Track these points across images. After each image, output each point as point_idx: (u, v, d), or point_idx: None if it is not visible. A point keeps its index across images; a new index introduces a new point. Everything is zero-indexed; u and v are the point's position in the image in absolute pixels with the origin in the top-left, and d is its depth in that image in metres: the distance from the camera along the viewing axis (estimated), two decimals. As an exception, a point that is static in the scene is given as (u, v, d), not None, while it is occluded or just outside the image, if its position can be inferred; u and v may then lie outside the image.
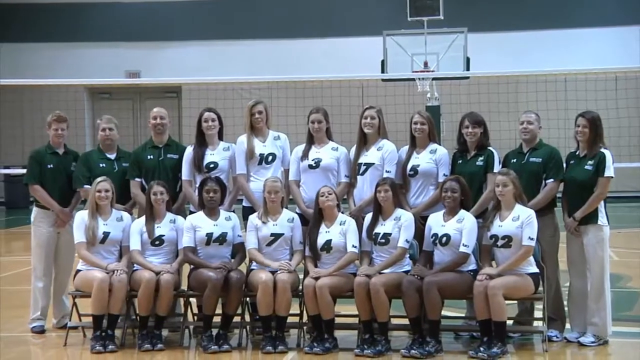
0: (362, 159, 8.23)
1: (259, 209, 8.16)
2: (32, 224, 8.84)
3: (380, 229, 7.88)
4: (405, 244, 7.81)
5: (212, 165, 8.39)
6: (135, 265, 8.15)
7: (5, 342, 8.37)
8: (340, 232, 7.90)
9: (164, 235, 8.14)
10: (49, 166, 8.75)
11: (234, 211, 8.38)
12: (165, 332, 8.29)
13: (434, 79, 18.25)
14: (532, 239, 7.61)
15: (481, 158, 8.14)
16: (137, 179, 8.56)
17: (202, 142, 8.48)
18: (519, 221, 7.64)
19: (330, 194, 7.90)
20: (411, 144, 8.30)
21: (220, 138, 8.56)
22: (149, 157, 8.60)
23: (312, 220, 8.00)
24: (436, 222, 7.87)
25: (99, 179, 8.20)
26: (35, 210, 8.83)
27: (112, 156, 8.74)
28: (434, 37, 19.15)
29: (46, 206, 8.72)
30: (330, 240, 7.89)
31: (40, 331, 8.61)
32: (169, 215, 8.24)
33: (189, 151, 8.49)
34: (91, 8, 25.03)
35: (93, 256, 8.05)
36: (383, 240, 7.85)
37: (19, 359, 7.80)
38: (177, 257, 8.16)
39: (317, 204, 7.96)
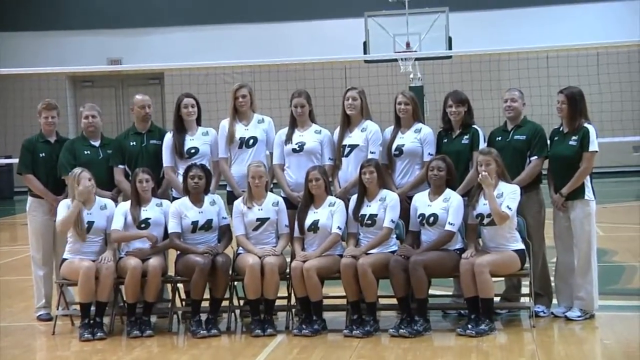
0: (346, 141, 8.23)
1: (238, 193, 8.16)
2: (28, 214, 8.83)
3: (366, 210, 7.90)
4: (390, 224, 7.82)
5: (193, 151, 8.38)
6: (121, 252, 8.14)
7: (-7, 332, 8.39)
8: (329, 213, 7.90)
9: (150, 219, 8.12)
10: (41, 155, 8.73)
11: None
12: (153, 318, 8.31)
13: (416, 59, 18.28)
14: (510, 208, 7.61)
15: (466, 136, 8.15)
16: (121, 166, 8.55)
17: (181, 128, 8.46)
18: (503, 198, 7.67)
19: (318, 180, 7.90)
20: (396, 124, 8.31)
21: (199, 123, 8.55)
22: (131, 143, 8.59)
23: (302, 201, 8.01)
24: (422, 202, 7.89)
25: (77, 170, 8.13)
26: (29, 199, 8.82)
27: (97, 143, 8.72)
28: (415, 17, 19.16)
29: (40, 195, 8.68)
30: (318, 220, 7.90)
31: (47, 319, 8.60)
32: (155, 200, 8.22)
33: (168, 138, 8.47)
34: (72, -4, 24.94)
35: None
36: (369, 222, 7.87)
37: (9, 348, 7.79)
38: (165, 240, 8.15)
39: (307, 186, 7.96)
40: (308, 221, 7.94)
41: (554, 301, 8.20)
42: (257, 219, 8.02)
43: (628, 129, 19.40)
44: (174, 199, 8.36)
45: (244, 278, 7.83)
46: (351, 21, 21.32)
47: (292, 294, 8.00)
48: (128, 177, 8.46)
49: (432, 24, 19.01)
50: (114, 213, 8.16)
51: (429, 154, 8.13)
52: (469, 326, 7.53)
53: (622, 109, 19.88)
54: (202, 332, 7.81)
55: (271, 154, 8.43)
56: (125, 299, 8.12)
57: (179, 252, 8.14)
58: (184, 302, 8.52)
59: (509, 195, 7.65)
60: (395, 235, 7.98)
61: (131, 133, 8.69)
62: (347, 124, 8.27)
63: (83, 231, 8.03)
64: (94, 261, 7.92)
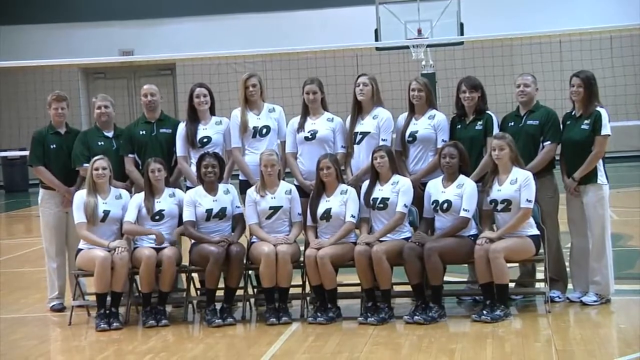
0: (358, 128, 8.22)
1: (253, 181, 8.16)
2: (40, 206, 8.85)
3: (378, 194, 7.88)
4: (403, 208, 7.81)
5: (205, 140, 8.39)
6: (136, 242, 8.16)
7: (10, 323, 8.43)
8: (341, 201, 7.90)
9: (164, 210, 8.14)
10: (51, 146, 8.75)
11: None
12: (169, 308, 8.34)
13: (428, 45, 18.20)
14: (529, 201, 7.62)
15: (480, 122, 8.13)
16: (131, 155, 8.57)
17: (194, 118, 8.47)
18: (517, 184, 7.65)
19: (329, 168, 7.89)
20: (410, 110, 8.29)
21: (212, 113, 8.56)
22: (141, 132, 8.61)
23: (315, 190, 8.01)
24: (436, 189, 7.87)
25: (95, 157, 8.21)
26: (41, 191, 8.84)
27: (110, 134, 8.74)
28: (426, 3, 19.06)
29: (51, 187, 8.71)
30: (330, 209, 7.90)
31: (60, 310, 8.65)
32: (168, 190, 8.24)
33: (181, 127, 8.49)
34: (82, -13, 24.95)
35: (93, 235, 8.06)
36: (381, 205, 7.86)
37: (25, 339, 7.83)
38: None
39: (318, 175, 7.96)
40: (320, 209, 7.94)
41: (569, 286, 8.18)
42: (270, 208, 8.02)
43: (643, 112, 19.31)
44: (188, 188, 8.38)
45: (259, 266, 7.84)
46: (362, 8, 21.24)
47: (307, 282, 8.01)
48: (138, 166, 8.49)
49: (444, 10, 18.92)
50: (129, 205, 8.19)
51: (443, 140, 8.11)
52: (484, 312, 7.52)
53: (636, 93, 19.76)
54: (217, 321, 7.83)
55: (282, 142, 8.42)
56: (140, 289, 8.14)
57: (193, 241, 8.15)
58: (198, 292, 8.54)
59: (523, 184, 7.62)
60: (409, 222, 7.98)
61: (141, 122, 8.72)
62: (359, 111, 8.26)
63: (96, 219, 8.07)
64: (109, 251, 7.95)
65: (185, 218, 8.09)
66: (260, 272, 7.89)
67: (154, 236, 8.07)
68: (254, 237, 8.11)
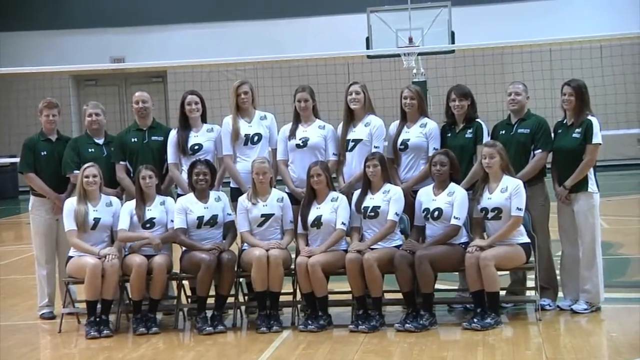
0: (350, 136, 8.23)
1: (245, 189, 8.16)
2: (30, 213, 8.84)
3: (369, 202, 7.89)
4: (395, 217, 7.82)
5: (196, 147, 8.39)
6: (126, 249, 8.15)
7: (3, 330, 8.40)
8: (332, 208, 7.91)
9: (154, 218, 8.14)
10: (42, 153, 8.74)
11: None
12: (159, 316, 8.32)
13: (419, 54, 18.25)
14: (520, 209, 7.63)
15: (470, 130, 8.15)
16: (122, 162, 8.56)
17: (185, 125, 8.47)
18: (507, 192, 7.66)
19: (319, 176, 7.90)
20: (402, 118, 8.31)
21: (204, 120, 8.56)
22: (132, 139, 8.60)
23: (305, 197, 8.01)
24: (427, 197, 7.89)
25: (86, 165, 8.20)
26: (32, 198, 8.83)
27: (101, 141, 8.73)
28: (417, 12, 19.13)
29: (42, 194, 8.70)
30: (321, 216, 7.90)
31: (50, 317, 8.63)
32: (159, 198, 8.24)
33: (172, 134, 8.49)
34: (73, -6, 24.95)
35: (84, 243, 8.05)
36: (372, 214, 7.87)
37: (17, 347, 7.81)
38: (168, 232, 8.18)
39: (309, 182, 7.96)
40: (311, 217, 7.94)
41: (560, 294, 8.20)
42: (262, 215, 8.02)
43: (633, 121, 19.34)
44: (179, 195, 8.38)
45: (250, 273, 7.83)
46: (353, 17, 21.30)
47: (298, 290, 8.01)
48: (129, 173, 8.48)
49: (435, 18, 18.98)
50: (120, 212, 8.18)
51: (434, 148, 8.13)
52: (475, 320, 7.53)
53: (626, 102, 19.83)
54: (207, 328, 7.82)
55: (274, 150, 8.43)
56: (130, 296, 8.12)
57: (184, 249, 8.15)
58: (189, 299, 8.53)
59: (513, 193, 7.64)
60: (400, 230, 7.99)
61: (132, 129, 8.72)
62: (351, 118, 8.27)
63: (87, 226, 8.06)
64: (100, 259, 7.93)
65: (176, 225, 8.08)
66: (252, 276, 7.88)
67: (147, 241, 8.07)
68: (244, 244, 8.11)
